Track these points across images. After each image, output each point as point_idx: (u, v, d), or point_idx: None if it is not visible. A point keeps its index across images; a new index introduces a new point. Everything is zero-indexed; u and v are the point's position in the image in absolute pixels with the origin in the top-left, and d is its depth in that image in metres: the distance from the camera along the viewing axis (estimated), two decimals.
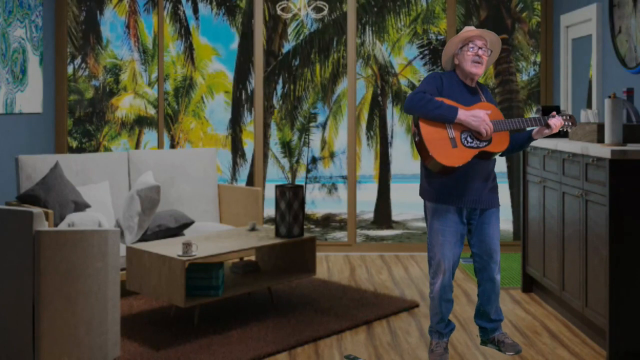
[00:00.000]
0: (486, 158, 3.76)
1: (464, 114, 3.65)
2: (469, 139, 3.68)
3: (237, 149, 7.10)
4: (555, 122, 3.80)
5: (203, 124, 7.11)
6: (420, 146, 3.65)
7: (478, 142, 3.68)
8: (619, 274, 3.94)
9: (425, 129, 3.65)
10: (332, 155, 7.11)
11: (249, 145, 7.09)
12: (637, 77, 5.01)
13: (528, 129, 3.89)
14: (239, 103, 7.11)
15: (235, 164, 7.12)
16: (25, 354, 3.55)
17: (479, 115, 3.65)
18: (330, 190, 7.12)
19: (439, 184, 3.79)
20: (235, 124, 7.09)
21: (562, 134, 5.21)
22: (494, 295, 3.93)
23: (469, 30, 3.83)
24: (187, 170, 6.11)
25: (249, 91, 7.09)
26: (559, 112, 5.26)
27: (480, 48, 3.80)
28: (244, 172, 7.10)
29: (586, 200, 4.27)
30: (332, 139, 7.11)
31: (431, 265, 3.86)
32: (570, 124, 3.90)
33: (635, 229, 3.93)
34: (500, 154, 3.90)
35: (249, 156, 7.10)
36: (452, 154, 3.62)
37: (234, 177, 7.11)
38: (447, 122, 3.66)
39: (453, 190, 3.77)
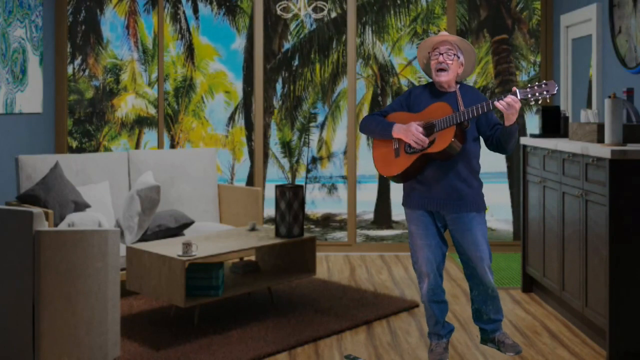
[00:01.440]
0: (442, 158, 3.69)
1: (397, 129, 3.77)
2: (410, 145, 3.77)
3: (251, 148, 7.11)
4: (503, 103, 3.52)
5: (203, 124, 7.11)
6: None
7: (420, 148, 3.74)
8: (619, 274, 3.94)
9: (375, 145, 3.94)
10: (329, 155, 7.10)
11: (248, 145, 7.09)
12: (637, 77, 5.01)
13: (474, 116, 3.70)
14: (249, 103, 7.11)
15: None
16: (25, 354, 3.55)
17: (409, 130, 3.71)
18: (330, 190, 7.12)
19: (409, 189, 3.87)
20: (249, 124, 7.10)
21: (560, 131, 5.20)
22: (489, 298, 3.88)
23: (433, 36, 3.82)
24: (187, 170, 6.11)
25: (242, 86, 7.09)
26: (559, 110, 5.25)
27: (442, 54, 3.77)
28: (241, 171, 7.10)
29: (586, 200, 4.27)
30: (329, 139, 7.10)
31: (415, 270, 3.87)
32: (542, 92, 3.51)
33: (635, 229, 3.93)
34: (442, 150, 3.76)
35: (247, 156, 7.10)
36: (392, 163, 3.82)
37: (232, 177, 7.11)
38: (388, 138, 3.84)
39: (420, 193, 3.82)
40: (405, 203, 3.89)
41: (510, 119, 3.58)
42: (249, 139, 7.07)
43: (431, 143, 3.69)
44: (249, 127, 7.08)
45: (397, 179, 3.81)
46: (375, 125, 3.86)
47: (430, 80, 3.98)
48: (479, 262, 3.76)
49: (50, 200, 5.16)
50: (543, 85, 3.52)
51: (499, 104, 3.55)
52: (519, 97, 3.55)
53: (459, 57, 3.79)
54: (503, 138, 3.67)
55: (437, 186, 3.75)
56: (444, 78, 3.76)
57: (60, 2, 6.96)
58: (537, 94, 3.53)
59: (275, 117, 7.09)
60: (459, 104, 3.76)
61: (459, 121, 3.60)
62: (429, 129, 3.72)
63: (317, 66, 7.09)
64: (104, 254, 3.67)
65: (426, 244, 3.79)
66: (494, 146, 3.79)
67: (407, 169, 3.73)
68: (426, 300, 3.87)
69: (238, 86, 7.11)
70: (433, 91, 3.86)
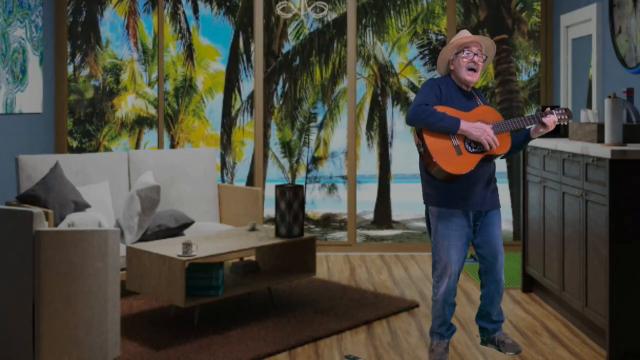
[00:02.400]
0: (489, 160, 3.82)
1: (466, 125, 3.68)
2: (472, 144, 3.74)
3: (226, 148, 7.11)
4: (550, 120, 3.81)
5: (203, 124, 7.11)
6: (426, 156, 3.71)
7: (482, 147, 3.74)
8: (619, 274, 3.94)
9: (430, 139, 3.71)
10: (326, 155, 7.10)
11: (248, 145, 7.09)
12: (637, 77, 5.01)
13: (526, 127, 3.93)
14: (231, 100, 7.11)
15: (227, 164, 7.13)
16: (25, 354, 3.55)
17: (480, 127, 3.69)
18: (330, 190, 7.12)
19: (444, 188, 3.80)
20: (230, 123, 7.10)
21: (560, 132, 5.20)
22: (498, 297, 3.93)
23: (465, 36, 3.83)
24: (187, 170, 6.11)
25: (241, 87, 7.09)
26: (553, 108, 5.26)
27: (475, 54, 3.80)
28: (241, 171, 7.10)
29: (586, 200, 4.27)
30: (328, 138, 7.10)
31: (436, 269, 3.84)
32: (566, 117, 3.90)
33: (635, 229, 3.93)
34: (502, 155, 3.93)
35: (247, 156, 7.10)
36: (458, 162, 3.68)
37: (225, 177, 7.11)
38: (451, 134, 3.70)
39: (458, 193, 3.78)
40: (438, 203, 3.81)
41: (540, 134, 3.85)
42: (222, 140, 7.06)
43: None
44: (227, 124, 7.05)
45: (457, 177, 3.69)
46: (438, 118, 3.67)
47: (438, 76, 3.96)
48: (498, 256, 3.87)
49: (50, 200, 5.16)
50: (564, 110, 3.91)
51: (548, 120, 3.80)
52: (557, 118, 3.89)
53: (484, 59, 3.91)
54: (523, 146, 3.94)
55: (477, 186, 3.80)
56: (474, 78, 3.82)
57: (60, 2, 6.96)
58: (562, 117, 3.91)
59: (275, 117, 7.10)
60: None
61: (516, 128, 3.80)
62: None
63: (317, 66, 7.09)
64: (104, 254, 3.67)
65: (454, 245, 3.80)
66: (509, 151, 3.98)
67: (473, 169, 3.73)
68: (441, 299, 3.85)
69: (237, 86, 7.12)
70: (460, 90, 3.88)
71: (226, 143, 7.09)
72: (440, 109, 3.75)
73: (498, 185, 3.97)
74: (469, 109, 3.83)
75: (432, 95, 3.79)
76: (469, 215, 3.82)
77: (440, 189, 3.81)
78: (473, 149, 3.72)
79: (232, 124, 7.09)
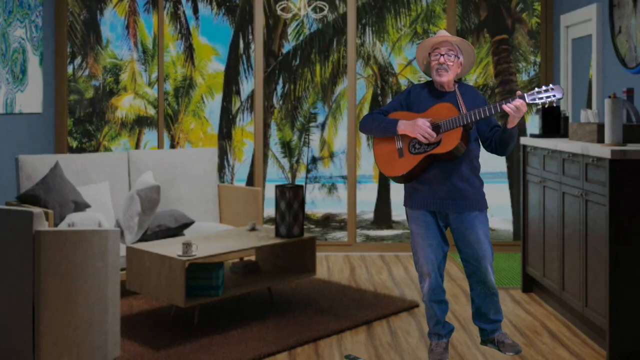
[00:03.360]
0: (446, 159, 3.69)
1: (403, 125, 3.73)
2: (416, 145, 3.74)
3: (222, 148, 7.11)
4: (510, 107, 3.54)
5: (203, 124, 7.11)
6: None
7: (426, 147, 3.71)
8: (619, 274, 3.94)
9: (376, 146, 3.88)
10: (330, 155, 7.10)
11: (248, 145, 7.10)
12: (637, 77, 5.01)
13: (479, 119, 3.71)
14: (230, 98, 7.11)
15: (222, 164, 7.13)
16: (25, 354, 3.55)
17: (416, 124, 3.68)
18: (330, 190, 7.12)
19: (411, 189, 3.85)
20: (228, 122, 7.10)
21: (560, 131, 5.20)
22: (489, 297, 3.90)
23: (434, 37, 3.82)
24: (187, 170, 6.11)
25: (241, 87, 7.09)
26: (559, 110, 5.25)
27: (442, 55, 3.77)
28: (241, 171, 7.10)
29: (586, 200, 4.27)
30: (331, 138, 7.10)
31: (417, 270, 3.88)
32: (550, 96, 3.55)
33: (635, 229, 3.93)
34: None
35: (247, 156, 7.10)
36: (397, 164, 3.76)
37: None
38: (391, 136, 3.79)
39: (422, 193, 3.80)
40: (407, 203, 3.88)
41: (514, 122, 3.62)
42: (223, 146, 7.07)
43: (437, 144, 3.69)
44: (225, 123, 7.07)
45: (401, 179, 3.77)
46: (378, 123, 3.81)
47: (429, 79, 3.97)
48: (481, 261, 3.79)
49: (50, 200, 5.16)
50: (550, 90, 3.57)
51: (507, 108, 3.57)
52: (527, 101, 3.60)
53: (458, 58, 3.81)
54: (504, 140, 3.69)
55: (440, 186, 3.75)
56: (445, 78, 3.77)
57: (60, 2, 6.96)
58: (544, 98, 3.58)
59: (275, 117, 7.10)
60: (459, 104, 3.78)
61: (465, 123, 3.61)
62: (434, 130, 3.71)
63: (317, 66, 7.09)
64: (104, 254, 3.67)
65: (427, 244, 3.80)
66: (492, 148, 3.81)
67: (412, 170, 3.71)
68: (427, 299, 3.88)
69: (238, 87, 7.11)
70: (433, 91, 3.86)
71: (222, 143, 7.09)
72: (394, 115, 3.84)
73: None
74: (426, 109, 3.81)
75: (397, 102, 3.90)
76: (435, 215, 3.82)
77: (409, 190, 3.87)
78: (416, 150, 3.72)
79: (232, 123, 7.09)
